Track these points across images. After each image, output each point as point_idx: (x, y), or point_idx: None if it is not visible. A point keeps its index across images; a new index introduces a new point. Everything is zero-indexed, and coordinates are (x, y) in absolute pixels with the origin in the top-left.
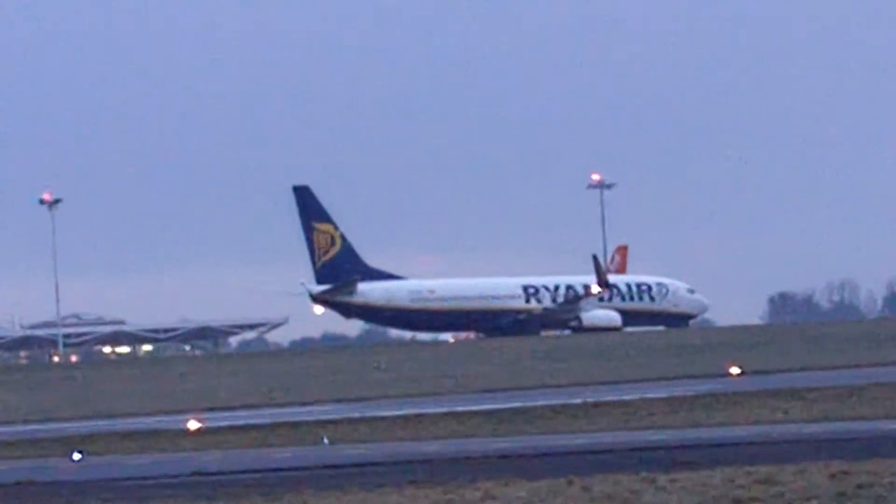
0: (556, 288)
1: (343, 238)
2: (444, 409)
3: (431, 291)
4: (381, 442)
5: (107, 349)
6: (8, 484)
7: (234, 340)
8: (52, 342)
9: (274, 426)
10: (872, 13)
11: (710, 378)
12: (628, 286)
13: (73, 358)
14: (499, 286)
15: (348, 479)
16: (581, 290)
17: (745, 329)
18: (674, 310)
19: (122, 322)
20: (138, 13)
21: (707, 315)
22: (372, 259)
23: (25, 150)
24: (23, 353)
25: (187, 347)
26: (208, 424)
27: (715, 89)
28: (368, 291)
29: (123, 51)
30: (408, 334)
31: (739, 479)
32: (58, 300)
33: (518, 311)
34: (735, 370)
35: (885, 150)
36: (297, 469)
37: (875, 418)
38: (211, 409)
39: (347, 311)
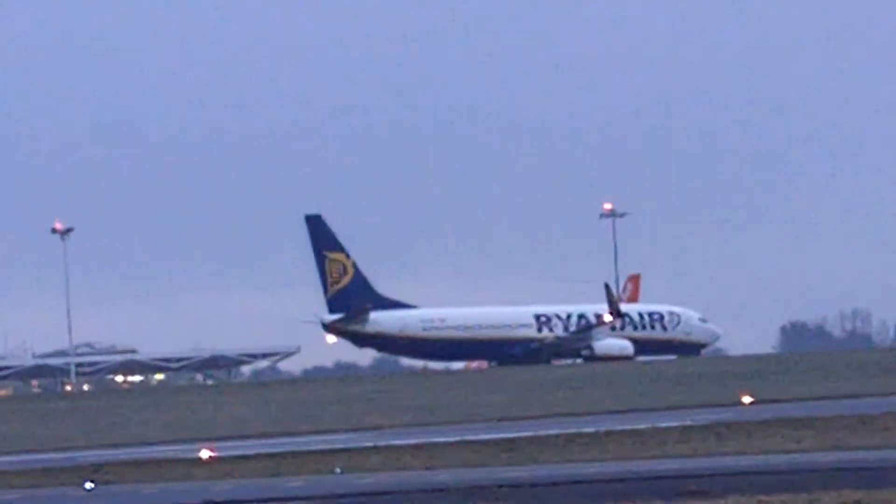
0: (569, 317)
1: (355, 267)
2: (457, 438)
3: (443, 320)
4: (394, 471)
5: (119, 378)
6: None
7: (246, 369)
8: (64, 371)
9: (286, 455)
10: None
11: (722, 407)
12: (640, 315)
13: (86, 387)
14: (511, 315)
15: None
16: (593, 319)
17: (758, 358)
18: (686, 339)
19: (134, 351)
20: (152, 40)
21: (719, 344)
22: (384, 288)
23: (37, 179)
24: (35, 382)
25: (200, 376)
26: (220, 453)
27: (727, 118)
28: (381, 320)
29: (136, 78)
30: (420, 363)
31: None
32: (70, 329)
33: (530, 340)
34: (747, 399)
35: None
36: (309, 498)
37: (888, 447)
38: (223, 438)
39: (360, 340)
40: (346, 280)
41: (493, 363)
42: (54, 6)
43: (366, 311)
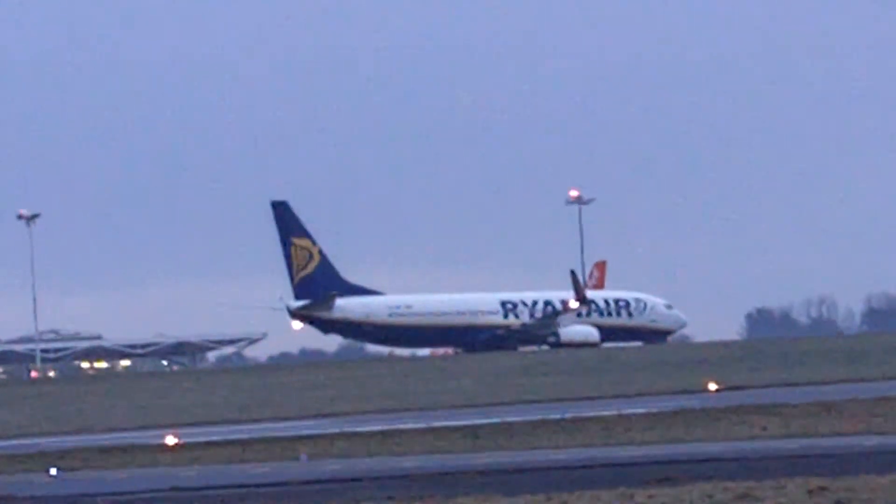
0: (535, 303)
1: (321, 253)
2: (423, 425)
3: (409, 307)
4: (360, 457)
5: (85, 364)
6: None
7: (212, 356)
8: (29, 357)
9: (252, 442)
10: (861, 32)
11: (688, 394)
12: (606, 302)
13: (51, 373)
14: (477, 302)
15: (326, 494)
16: (559, 306)
17: (723, 345)
18: (652, 325)
19: (99, 337)
20: (120, 28)
21: (685, 331)
22: (350, 274)
23: (3, 165)
24: (0, 369)
25: (165, 363)
26: (186, 440)
27: (694, 105)
28: (346, 307)
29: (103, 64)
30: (386, 349)
31: (718, 495)
32: (35, 315)
33: (496, 327)
34: (713, 386)
35: (862, 166)
36: (275, 485)
37: (853, 434)
38: (189, 425)
39: (325, 326)
40: (312, 266)
41: (460, 350)
42: None
43: (332, 298)
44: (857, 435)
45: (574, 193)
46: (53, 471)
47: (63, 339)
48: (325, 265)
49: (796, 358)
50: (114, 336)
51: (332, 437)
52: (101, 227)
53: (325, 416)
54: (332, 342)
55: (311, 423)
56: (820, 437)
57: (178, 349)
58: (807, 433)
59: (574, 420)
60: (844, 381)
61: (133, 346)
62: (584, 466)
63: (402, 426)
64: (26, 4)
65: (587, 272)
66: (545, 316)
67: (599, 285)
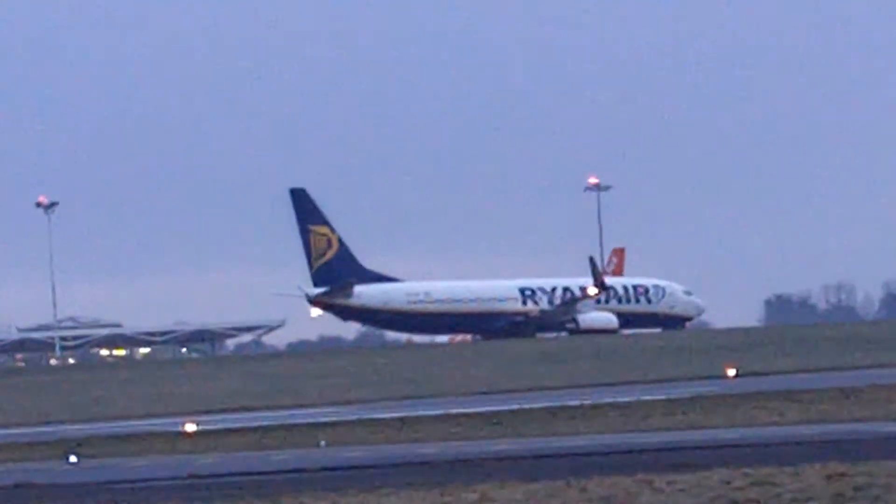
0: (553, 290)
1: (340, 241)
2: (442, 412)
3: (428, 294)
4: (379, 444)
5: (104, 352)
6: (7, 486)
7: (231, 343)
8: (48, 345)
9: (271, 429)
10: (867, 19)
11: (706, 380)
12: (625, 288)
13: (70, 361)
14: (495, 288)
15: (345, 481)
16: (578, 293)
17: (742, 331)
18: (670, 312)
19: (118, 325)
20: (135, 16)
21: (704, 317)
22: (368, 262)
23: (22, 154)
24: (19, 356)
25: (184, 350)
26: (205, 427)
27: (711, 92)
28: (365, 294)
29: (120, 54)
30: (404, 336)
31: (736, 481)
32: (54, 303)
33: (515, 314)
34: (732, 372)
35: (882, 152)
36: (294, 471)
37: (872, 420)
38: (208, 412)
39: (344, 313)
40: (330, 254)
41: (478, 337)
42: None
43: (350, 285)
44: (876, 421)
45: (593, 180)
46: (73, 458)
47: (82, 326)
48: (344, 252)
49: (815, 344)
50: (133, 324)
51: (351, 424)
52: (120, 215)
53: (343, 403)
54: (350, 329)
55: (330, 410)
56: (839, 422)
57: (197, 337)
58: (825, 419)
59: (593, 406)
60: (863, 367)
61: (152, 334)
62: (602, 453)
63: (420, 413)
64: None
65: (606, 259)
66: (564, 303)
67: (618, 272)
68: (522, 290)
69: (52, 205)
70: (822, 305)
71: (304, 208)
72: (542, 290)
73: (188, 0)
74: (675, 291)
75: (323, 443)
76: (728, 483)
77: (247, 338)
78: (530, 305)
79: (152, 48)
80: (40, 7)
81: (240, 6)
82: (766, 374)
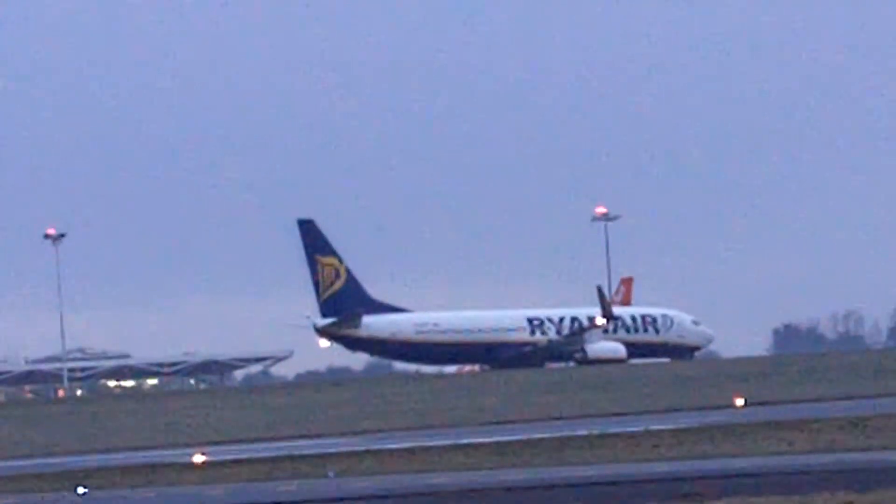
0: (561, 320)
1: (348, 271)
2: (450, 442)
3: (436, 324)
4: (387, 474)
5: (112, 383)
6: None
7: (239, 374)
8: (56, 376)
9: (279, 459)
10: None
11: (715, 409)
12: (633, 318)
13: (79, 392)
14: (504, 319)
15: None
16: (586, 322)
17: (750, 360)
18: (679, 341)
19: (127, 356)
20: (140, 44)
21: (712, 346)
22: (376, 292)
23: (29, 185)
24: (27, 388)
25: (192, 381)
26: (213, 458)
27: (718, 121)
28: (373, 324)
29: (127, 84)
30: (412, 367)
31: None
32: (63, 334)
33: (523, 344)
34: (740, 401)
35: (890, 180)
36: (302, 502)
37: (880, 449)
38: (216, 443)
39: (352, 344)
40: (338, 284)
41: (486, 367)
42: (51, 10)
43: (358, 316)
44: (885, 450)
45: (601, 210)
46: (81, 490)
47: (90, 358)
48: (352, 283)
49: (823, 373)
50: (141, 355)
51: (360, 455)
52: (128, 247)
53: (352, 433)
54: (359, 360)
55: (338, 440)
56: (847, 451)
57: (206, 368)
58: (834, 448)
59: (601, 436)
60: (871, 396)
61: (160, 365)
62: (611, 482)
63: (429, 443)
64: (51, 25)
65: (614, 288)
66: (572, 332)
67: (626, 301)
68: (531, 320)
69: (60, 236)
70: (830, 335)
71: (312, 239)
72: (551, 319)
73: (195, 31)
74: (683, 321)
75: (332, 473)
76: None
77: (255, 368)
78: (538, 335)
79: (161, 78)
80: (49, 37)
81: (247, 35)
82: (775, 403)
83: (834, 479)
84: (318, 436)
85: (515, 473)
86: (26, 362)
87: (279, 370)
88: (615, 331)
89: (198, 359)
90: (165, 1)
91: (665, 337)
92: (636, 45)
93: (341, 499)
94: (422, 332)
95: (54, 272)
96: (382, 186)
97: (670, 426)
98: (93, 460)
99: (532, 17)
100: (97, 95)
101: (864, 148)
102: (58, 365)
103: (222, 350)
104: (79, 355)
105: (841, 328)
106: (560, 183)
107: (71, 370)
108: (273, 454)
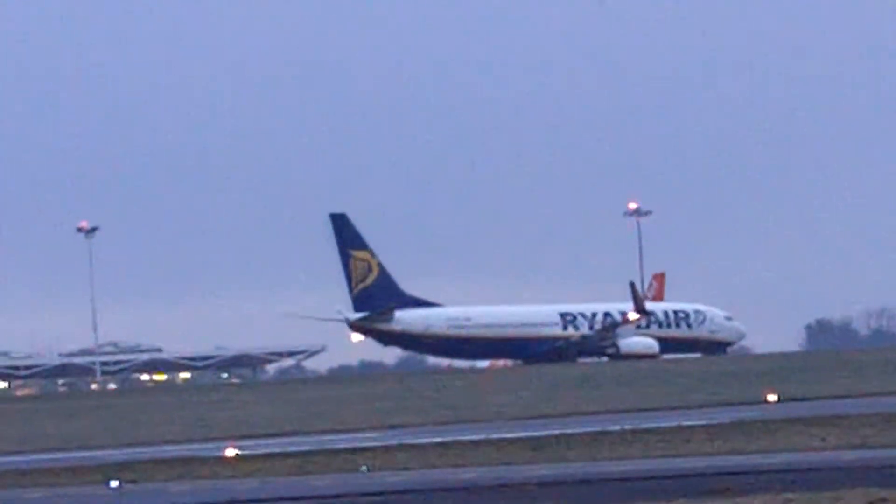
0: (594, 315)
1: (380, 265)
2: (483, 437)
3: (468, 319)
4: (420, 469)
5: (144, 377)
6: None
7: (271, 368)
8: (89, 370)
9: (312, 454)
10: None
11: (747, 405)
12: (665, 313)
13: (111, 386)
14: (536, 313)
15: None
16: (618, 318)
17: (783, 356)
18: (711, 337)
19: (159, 350)
20: (173, 43)
21: (744, 342)
22: (409, 286)
23: (62, 179)
24: (60, 381)
25: (224, 375)
26: (246, 452)
27: (751, 116)
28: (406, 319)
29: (160, 80)
30: (445, 362)
31: None
32: (95, 328)
33: (555, 339)
34: (772, 397)
35: None
36: (335, 497)
37: None
38: (248, 437)
39: (385, 338)
40: (371, 279)
41: (519, 361)
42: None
43: (391, 310)
44: None
45: (633, 205)
46: (114, 483)
47: (123, 351)
48: (384, 277)
49: (856, 369)
50: (173, 348)
51: (393, 449)
52: (160, 240)
53: (385, 427)
54: (391, 354)
55: (371, 435)
56: (879, 448)
57: (238, 361)
58: (866, 444)
59: (633, 431)
60: None
61: (193, 359)
62: (643, 478)
63: (461, 438)
64: (80, 24)
65: (646, 284)
66: (604, 328)
67: (658, 297)
68: (563, 315)
69: (93, 230)
70: (863, 330)
71: (345, 233)
72: (583, 315)
73: (229, 29)
74: (715, 316)
75: (364, 468)
76: None
77: (287, 363)
78: (571, 330)
79: (192, 74)
80: (82, 34)
81: (282, 33)
82: (807, 399)
83: (867, 476)
84: (351, 430)
85: (548, 468)
86: (59, 356)
87: (311, 364)
88: (647, 326)
89: (230, 353)
90: None
91: (697, 332)
92: (671, 40)
93: (374, 493)
94: (454, 327)
95: (87, 266)
96: (415, 181)
97: (702, 422)
98: (125, 454)
99: (565, 12)
100: (131, 91)
101: None
102: (91, 359)
103: (255, 344)
104: (111, 349)
105: (874, 324)
106: (592, 178)
107: (104, 364)
108: (305, 448)
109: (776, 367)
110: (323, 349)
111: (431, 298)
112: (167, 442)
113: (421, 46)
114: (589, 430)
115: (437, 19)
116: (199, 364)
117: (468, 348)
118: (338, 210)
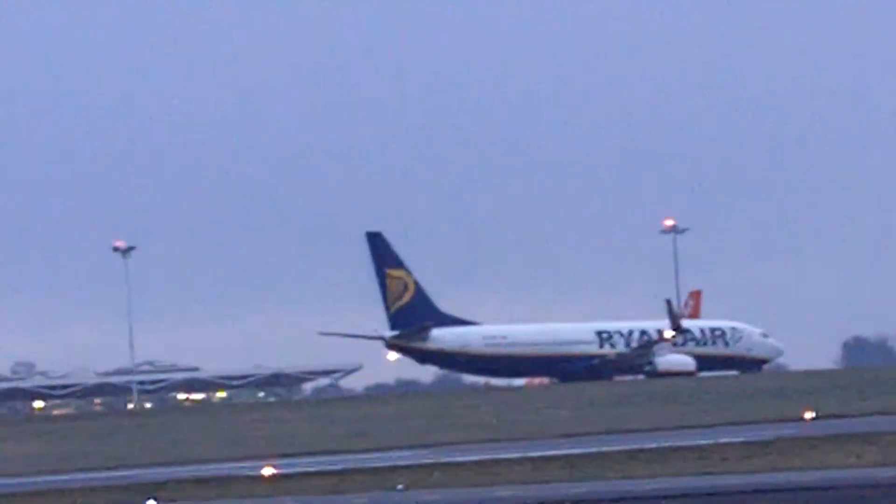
0: (630, 333)
1: (416, 284)
2: (519, 455)
3: (505, 337)
4: (456, 487)
5: (181, 396)
6: None
7: (307, 387)
8: (126, 389)
9: (349, 472)
10: None
11: (784, 422)
12: (702, 331)
13: (148, 405)
14: (572, 331)
15: None
16: (655, 335)
17: (820, 373)
18: (748, 354)
19: (196, 369)
20: (208, 60)
21: (781, 359)
22: (445, 305)
23: (99, 198)
24: (97, 401)
25: (261, 394)
26: (283, 470)
27: (784, 133)
28: (442, 337)
29: (194, 98)
30: (481, 380)
31: None
32: (132, 347)
33: (592, 357)
34: (809, 414)
35: None
36: None
37: None
38: (286, 456)
39: (421, 356)
40: (407, 297)
41: (555, 380)
42: (132, 22)
43: (427, 328)
44: None
45: (669, 222)
46: (152, 502)
47: (159, 370)
48: (421, 295)
49: (893, 386)
50: (210, 368)
51: (429, 468)
52: (197, 259)
53: (421, 446)
54: (427, 372)
55: (407, 453)
56: None
57: (275, 380)
58: None
59: (670, 449)
60: None
61: (229, 378)
62: (680, 495)
63: (498, 456)
64: (108, 45)
65: (682, 301)
66: (641, 345)
67: (695, 314)
68: (599, 333)
69: (130, 249)
70: None
71: (381, 252)
72: (619, 332)
73: (259, 45)
74: (751, 334)
75: (401, 486)
76: None
77: (324, 381)
78: (607, 348)
79: (227, 93)
80: (122, 49)
81: (313, 46)
82: (844, 416)
83: None
84: (388, 448)
85: (584, 486)
86: (96, 375)
87: (348, 383)
88: (684, 344)
89: (267, 372)
90: (248, 7)
91: (734, 350)
92: (707, 53)
93: None
94: (491, 345)
95: (124, 285)
96: (451, 199)
97: (739, 439)
98: (163, 473)
99: (599, 24)
100: (165, 111)
101: None
102: (127, 378)
103: (291, 363)
104: (148, 368)
105: None
106: (628, 195)
107: (140, 383)
108: (342, 467)
109: (813, 385)
110: (359, 368)
111: (468, 317)
112: (204, 461)
113: (452, 62)
114: (626, 447)
115: (490, 37)
116: (236, 383)
117: (504, 366)
118: (374, 229)
